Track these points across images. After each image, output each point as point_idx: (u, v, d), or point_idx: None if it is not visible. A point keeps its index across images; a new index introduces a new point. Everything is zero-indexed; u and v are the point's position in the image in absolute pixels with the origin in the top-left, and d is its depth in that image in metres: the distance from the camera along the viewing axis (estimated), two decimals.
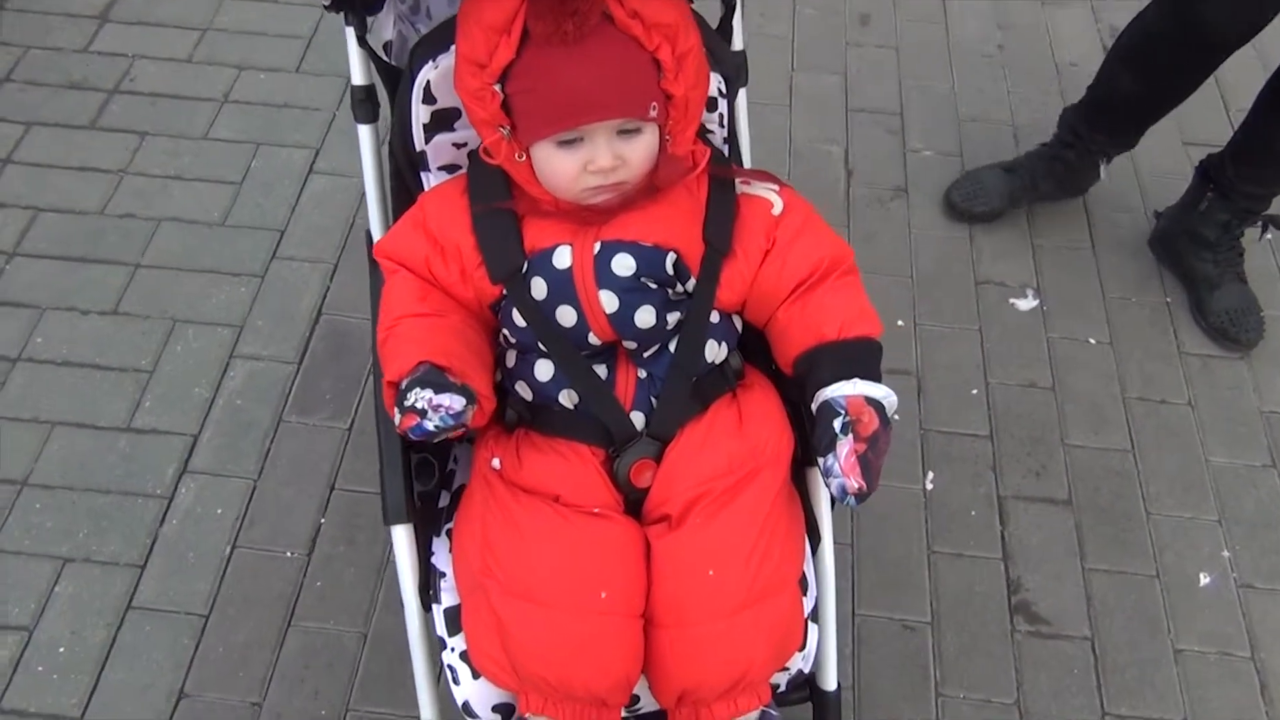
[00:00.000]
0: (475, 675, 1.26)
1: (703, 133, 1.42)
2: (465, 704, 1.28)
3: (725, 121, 1.48)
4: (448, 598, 1.32)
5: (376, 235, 1.53)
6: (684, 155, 1.30)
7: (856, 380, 1.24)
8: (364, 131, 1.52)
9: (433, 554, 1.37)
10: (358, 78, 1.50)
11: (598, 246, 1.27)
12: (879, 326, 1.30)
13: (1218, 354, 2.25)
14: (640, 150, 1.25)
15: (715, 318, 1.33)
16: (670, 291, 1.30)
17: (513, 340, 1.33)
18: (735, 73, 1.48)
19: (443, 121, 1.41)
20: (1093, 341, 2.26)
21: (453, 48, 1.34)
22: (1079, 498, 2.02)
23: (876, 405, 1.23)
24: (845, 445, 1.18)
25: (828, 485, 1.19)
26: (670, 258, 1.28)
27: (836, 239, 1.35)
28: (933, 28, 2.90)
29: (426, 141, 1.42)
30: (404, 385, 1.16)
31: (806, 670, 1.35)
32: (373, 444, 1.41)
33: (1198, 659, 1.84)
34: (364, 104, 1.51)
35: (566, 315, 1.28)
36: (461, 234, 1.30)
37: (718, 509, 1.25)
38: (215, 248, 2.31)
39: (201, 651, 1.78)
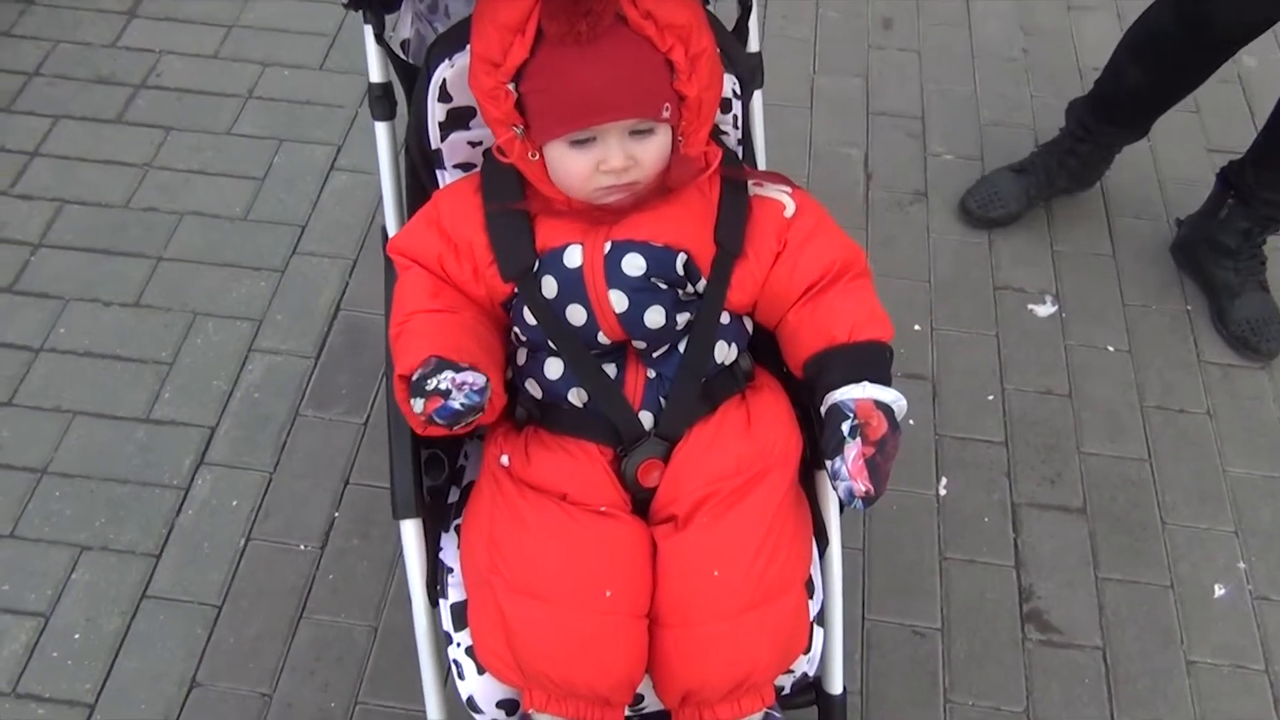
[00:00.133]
0: (480, 671, 1.27)
1: (716, 134, 1.42)
2: (470, 699, 1.29)
3: (740, 123, 1.48)
4: (455, 593, 1.33)
5: (392, 232, 1.54)
6: (696, 156, 1.30)
7: (866, 383, 1.23)
8: (381, 129, 1.53)
9: (441, 549, 1.37)
10: (375, 75, 1.51)
11: (608, 246, 1.28)
12: (890, 330, 1.30)
13: (1238, 363, 2.23)
14: (653, 151, 1.26)
15: (725, 319, 1.33)
16: (680, 292, 1.30)
17: (523, 338, 1.33)
18: (750, 74, 1.48)
19: (458, 120, 1.42)
20: (1111, 349, 2.24)
21: (468, 47, 1.35)
22: (1093, 506, 2.01)
23: (886, 409, 1.22)
24: (853, 449, 1.18)
25: (835, 488, 1.19)
26: (681, 258, 1.28)
27: (849, 241, 1.35)
28: (955, 31, 2.89)
29: (442, 139, 1.43)
30: (416, 376, 1.17)
31: (811, 673, 1.35)
32: (387, 439, 1.42)
33: (1211, 671, 1.83)
34: (381, 101, 1.52)
35: (576, 314, 1.28)
36: (474, 232, 1.31)
37: (724, 510, 1.25)
38: (236, 242, 2.33)
39: (214, 641, 1.79)
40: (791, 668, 1.31)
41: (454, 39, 1.38)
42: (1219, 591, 1.91)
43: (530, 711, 1.23)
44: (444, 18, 1.56)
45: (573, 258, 1.28)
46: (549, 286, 1.28)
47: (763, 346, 1.40)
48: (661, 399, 1.30)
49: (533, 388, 1.33)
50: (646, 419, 1.30)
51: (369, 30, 1.47)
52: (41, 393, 2.08)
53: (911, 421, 2.09)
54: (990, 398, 2.15)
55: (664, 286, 1.28)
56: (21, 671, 1.75)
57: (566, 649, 1.18)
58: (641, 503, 1.30)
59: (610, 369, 1.30)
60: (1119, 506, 2.01)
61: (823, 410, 1.25)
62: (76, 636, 1.79)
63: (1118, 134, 2.31)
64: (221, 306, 2.22)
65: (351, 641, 1.80)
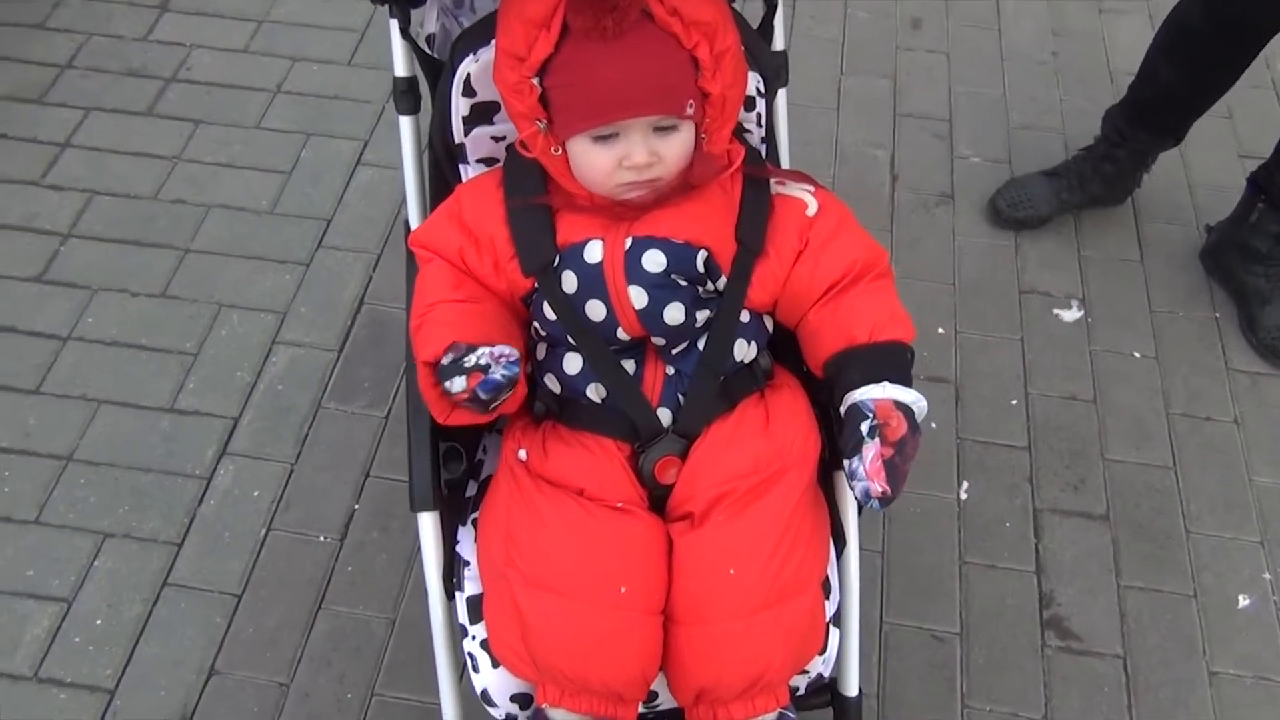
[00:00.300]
0: (495, 664, 1.27)
1: (739, 132, 1.42)
2: (484, 692, 1.29)
3: (763, 121, 1.47)
4: (471, 586, 1.33)
5: (414, 225, 1.54)
6: (719, 154, 1.29)
7: (886, 384, 1.23)
8: (405, 123, 1.53)
9: (458, 542, 1.38)
10: (400, 70, 1.51)
11: (629, 242, 1.28)
12: (911, 331, 1.29)
13: (1267, 371, 2.20)
14: (676, 147, 1.25)
15: (745, 317, 1.33)
16: (700, 289, 1.29)
17: (543, 333, 1.33)
18: (774, 73, 1.47)
19: (482, 115, 1.42)
20: (1138, 355, 2.22)
21: (493, 41, 1.36)
22: (1117, 513, 1.99)
23: (906, 410, 1.22)
24: (871, 449, 1.18)
25: (852, 488, 1.19)
26: (701, 255, 1.28)
27: (871, 241, 1.34)
28: (985, 33, 2.87)
29: (465, 134, 1.44)
30: (448, 360, 1.17)
31: (827, 674, 1.34)
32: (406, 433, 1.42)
33: (1233, 682, 1.81)
34: (405, 96, 1.52)
35: (596, 310, 1.28)
36: (496, 226, 1.31)
37: (741, 508, 1.25)
38: (263, 235, 2.34)
39: (233, 630, 1.81)
40: (806, 668, 1.30)
41: (479, 34, 1.38)
42: (1243, 602, 1.89)
43: (544, 706, 1.23)
44: (469, 12, 1.56)
45: (593, 253, 1.28)
46: (569, 281, 1.28)
47: (783, 345, 1.39)
48: (680, 396, 1.30)
49: (551, 383, 1.33)
50: (665, 416, 1.29)
51: (394, 25, 1.47)
52: (68, 381, 2.10)
53: (934, 425, 2.08)
54: (1014, 402, 2.13)
55: (684, 283, 1.28)
56: (44, 656, 1.77)
57: (581, 644, 1.18)
58: (658, 499, 1.30)
59: (629, 365, 1.30)
60: (1143, 514, 1.99)
61: (842, 410, 1.24)
62: (98, 622, 1.81)
63: (1152, 140, 2.29)
64: (247, 298, 2.23)
65: (369, 633, 1.81)
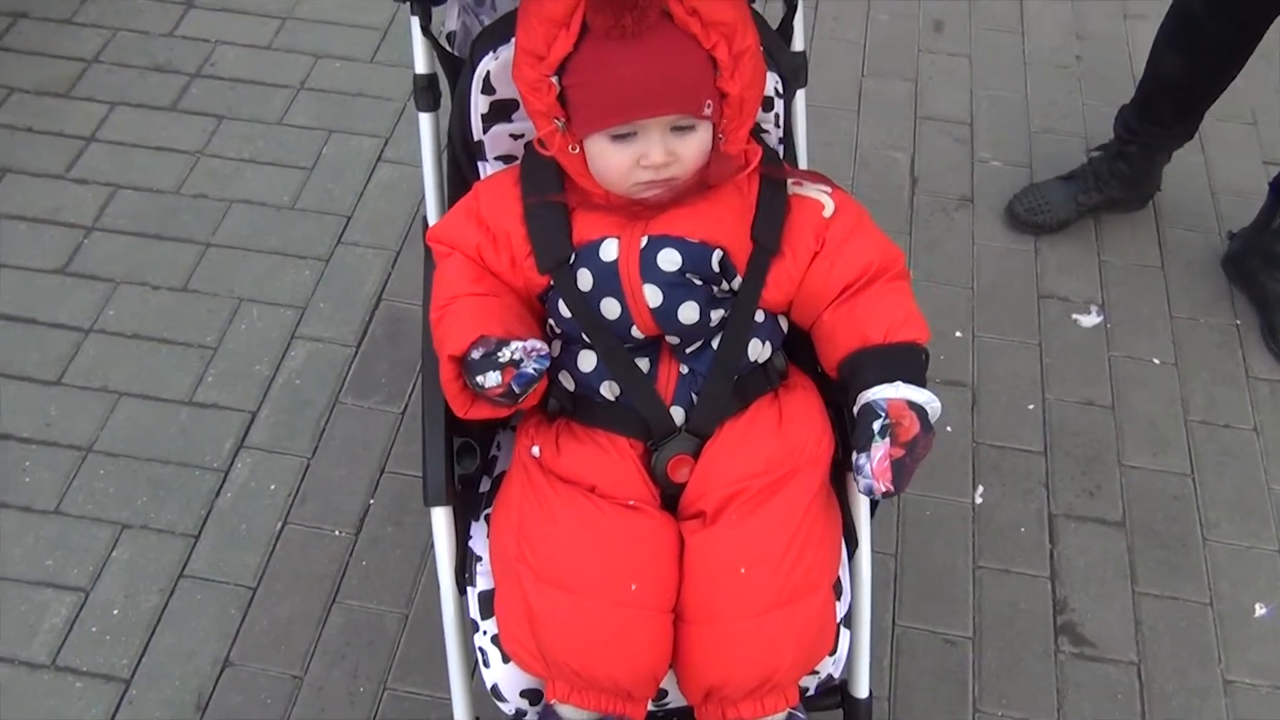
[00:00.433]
0: (505, 659, 1.28)
1: (757, 132, 1.42)
2: (494, 687, 1.30)
3: (781, 122, 1.47)
4: (483, 581, 1.33)
5: (433, 222, 1.55)
6: (736, 154, 1.30)
7: (900, 383, 1.23)
8: (424, 120, 1.54)
9: (471, 538, 1.38)
10: (420, 66, 1.52)
11: (644, 240, 1.28)
12: (926, 332, 1.29)
13: None
14: (693, 147, 1.26)
15: (760, 317, 1.33)
16: (715, 289, 1.30)
17: (558, 330, 1.34)
18: (793, 74, 1.47)
19: (501, 112, 1.43)
20: (1157, 361, 2.21)
21: (513, 40, 1.36)
22: (1133, 519, 1.98)
23: (919, 410, 1.22)
24: (880, 449, 1.18)
25: (855, 481, 1.20)
26: (717, 255, 1.28)
27: (887, 243, 1.34)
28: (1008, 36, 2.86)
29: (484, 131, 1.44)
30: (476, 356, 1.19)
31: (837, 675, 1.34)
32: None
33: (1249, 691, 1.80)
34: (425, 92, 1.53)
35: (611, 308, 1.28)
36: (512, 223, 1.32)
37: (753, 507, 1.25)
38: (283, 230, 2.36)
39: (248, 622, 1.82)
40: (817, 669, 1.30)
41: (499, 32, 1.39)
42: (1260, 611, 1.88)
43: (553, 702, 1.23)
44: (490, 10, 1.57)
45: (609, 251, 1.28)
46: (584, 279, 1.29)
47: (798, 345, 1.39)
48: (693, 395, 1.30)
49: (565, 380, 1.34)
50: (678, 414, 1.30)
51: (415, 22, 1.48)
52: (90, 373, 2.12)
53: (950, 428, 2.07)
54: (1030, 407, 2.12)
55: (699, 282, 1.28)
56: (61, 644, 1.79)
57: (589, 641, 1.19)
58: (671, 498, 1.30)
59: (643, 363, 1.30)
60: (1159, 521, 1.98)
61: (855, 410, 1.25)
62: (115, 612, 1.83)
63: (1163, 134, 2.28)
64: (266, 293, 2.25)
65: (382, 627, 1.82)
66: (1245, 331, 2.26)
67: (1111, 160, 2.34)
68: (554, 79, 1.24)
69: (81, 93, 2.61)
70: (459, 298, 1.28)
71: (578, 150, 1.27)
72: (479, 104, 1.42)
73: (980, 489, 2.01)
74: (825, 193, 1.36)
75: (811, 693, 1.33)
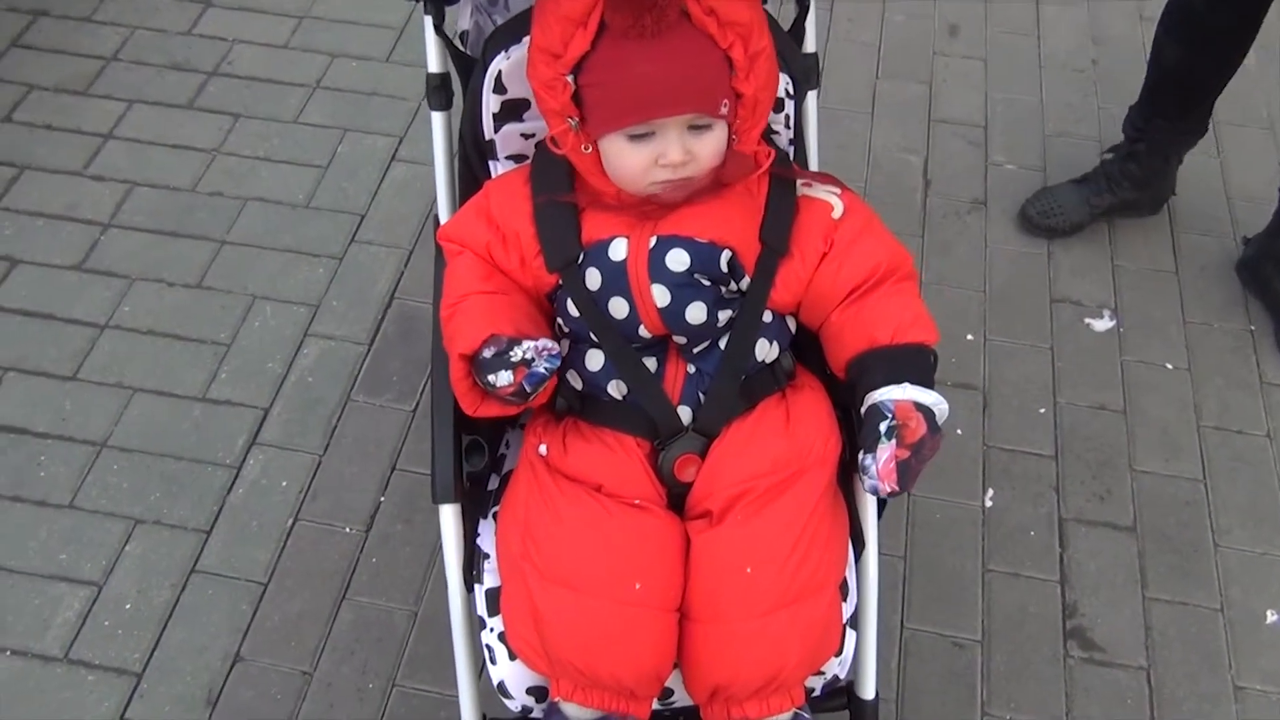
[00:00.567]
0: (512, 657, 1.28)
1: (768, 133, 1.42)
2: (501, 684, 1.30)
3: (792, 123, 1.48)
4: (490, 579, 1.34)
5: (444, 220, 1.56)
6: (750, 154, 1.30)
7: (907, 385, 1.23)
8: (437, 119, 1.55)
9: (479, 535, 1.39)
10: (433, 66, 1.53)
11: (653, 240, 1.28)
12: (935, 334, 1.29)
13: None
14: (710, 146, 1.26)
15: (768, 317, 1.33)
16: (723, 289, 1.30)
17: (566, 329, 1.34)
18: (804, 75, 1.48)
19: (512, 111, 1.44)
20: (1170, 366, 2.20)
21: (525, 39, 1.37)
22: (1144, 524, 1.97)
23: (926, 411, 1.22)
24: (886, 450, 1.18)
25: (861, 480, 1.20)
26: (725, 255, 1.29)
27: (896, 244, 1.34)
28: (1024, 40, 2.85)
29: (496, 131, 1.45)
30: (488, 355, 1.20)
31: (843, 676, 1.34)
32: None
33: (1259, 698, 1.79)
34: (438, 91, 1.54)
35: (619, 307, 1.29)
36: (522, 222, 1.32)
37: (760, 507, 1.25)
38: (297, 229, 2.37)
39: (258, 618, 1.83)
40: (822, 669, 1.30)
41: (511, 32, 1.40)
42: (1271, 618, 1.87)
43: (558, 700, 1.23)
44: (504, 10, 1.58)
45: (618, 251, 1.28)
46: (593, 278, 1.29)
47: (806, 346, 1.39)
48: (701, 394, 1.30)
49: (573, 379, 1.34)
50: (685, 414, 1.30)
51: (428, 21, 1.49)
52: (104, 368, 2.14)
53: (960, 431, 2.07)
54: (1042, 411, 2.12)
55: (707, 283, 1.29)
56: (74, 638, 1.80)
57: (593, 639, 1.19)
58: (677, 497, 1.30)
59: (650, 363, 1.31)
60: (1170, 526, 1.97)
61: (862, 410, 1.25)
62: (127, 607, 1.84)
63: (1168, 129, 2.27)
64: (280, 291, 2.26)
65: (391, 624, 1.82)
66: (1259, 337, 2.25)
67: (1122, 161, 2.33)
68: (569, 78, 1.24)
69: (100, 90, 2.63)
70: (469, 295, 1.29)
71: (591, 150, 1.28)
72: (490, 103, 1.43)
73: (990, 492, 2.00)
74: (834, 194, 1.36)
75: (818, 693, 1.33)
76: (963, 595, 1.88)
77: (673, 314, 1.28)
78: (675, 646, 1.24)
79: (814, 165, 1.55)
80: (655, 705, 1.28)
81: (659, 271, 1.27)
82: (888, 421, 1.20)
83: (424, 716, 1.74)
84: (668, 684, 1.27)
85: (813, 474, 1.28)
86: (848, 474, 1.37)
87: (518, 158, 1.47)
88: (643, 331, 1.29)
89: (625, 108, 1.22)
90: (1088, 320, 2.27)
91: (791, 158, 1.48)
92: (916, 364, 1.26)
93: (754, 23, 1.24)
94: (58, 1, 2.82)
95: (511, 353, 1.19)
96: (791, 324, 1.38)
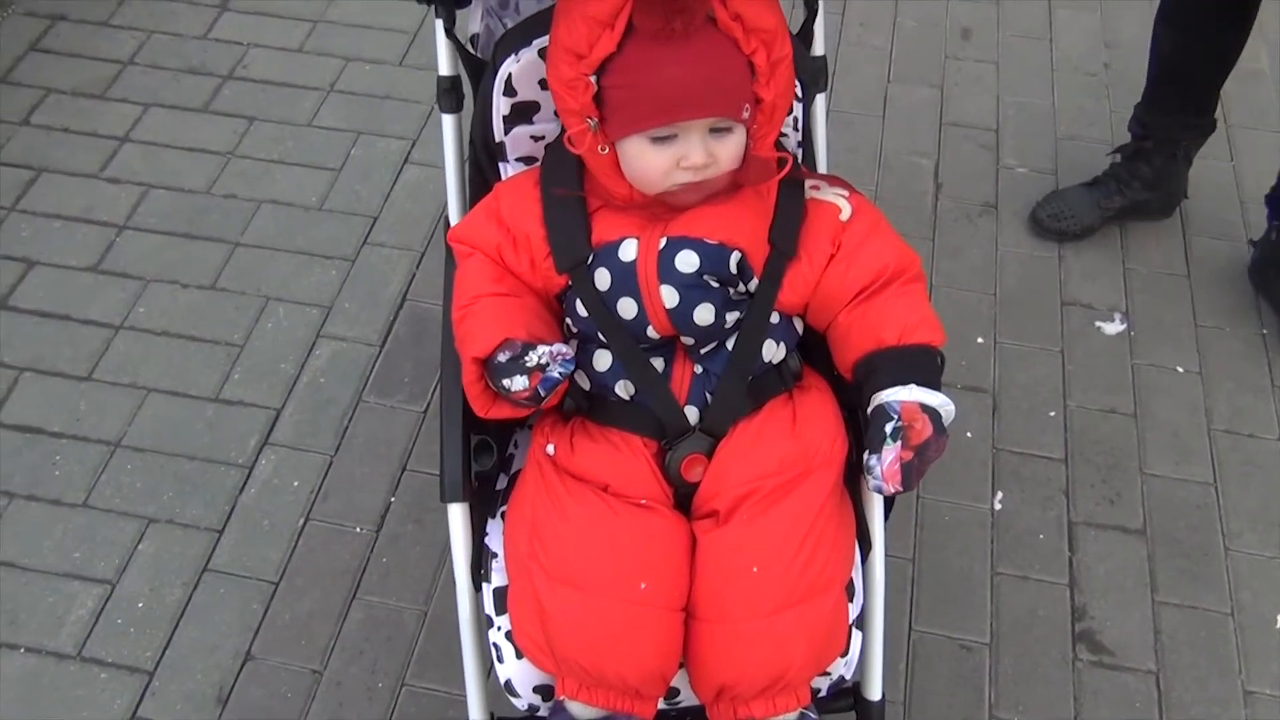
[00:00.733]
0: (519, 655, 1.28)
1: (777, 136, 1.43)
2: (508, 683, 1.30)
3: (800, 125, 1.48)
4: (498, 578, 1.34)
5: (454, 222, 1.57)
6: (769, 159, 1.31)
7: (913, 386, 1.23)
8: (447, 121, 1.55)
9: (487, 535, 1.39)
10: (444, 69, 1.54)
11: (663, 242, 1.29)
12: (941, 335, 1.29)
13: None
14: (730, 149, 1.27)
15: (775, 318, 1.33)
16: (732, 290, 1.30)
17: (574, 329, 1.35)
18: (812, 78, 1.48)
19: (522, 114, 1.44)
20: (1180, 370, 2.19)
21: (535, 42, 1.38)
22: (1154, 528, 1.97)
23: (932, 413, 1.22)
24: (891, 451, 1.18)
25: (866, 480, 1.21)
26: (735, 256, 1.29)
27: (903, 246, 1.35)
28: (1036, 44, 2.85)
29: (506, 133, 1.46)
30: (503, 359, 1.21)
31: (849, 677, 1.34)
32: None
33: (1270, 703, 1.78)
34: (449, 94, 1.54)
35: (627, 307, 1.30)
36: (532, 224, 1.33)
37: (766, 507, 1.25)
38: (311, 231, 2.39)
39: (269, 617, 1.84)
40: (828, 670, 1.30)
41: (521, 34, 1.41)
42: None
43: (562, 699, 1.24)
44: (514, 14, 1.59)
45: (627, 251, 1.29)
46: (602, 279, 1.30)
47: (813, 347, 1.40)
48: (708, 395, 1.31)
49: (581, 379, 1.35)
50: (692, 414, 1.30)
51: (439, 24, 1.50)
52: (119, 369, 2.15)
53: (970, 434, 2.07)
54: (1052, 414, 2.12)
55: (715, 284, 1.29)
56: (87, 636, 1.82)
57: (598, 638, 1.19)
58: (684, 497, 1.31)
59: (658, 363, 1.31)
60: (1180, 530, 1.96)
61: (869, 411, 1.25)
62: (140, 605, 1.85)
63: (1171, 124, 2.27)
64: (293, 292, 2.28)
65: (401, 624, 1.83)
66: (1271, 341, 2.24)
67: (1131, 161, 2.33)
68: (592, 78, 1.24)
69: (117, 94, 2.66)
70: (480, 298, 1.30)
71: (608, 151, 1.28)
72: (501, 106, 1.43)
73: (1000, 495, 2.00)
74: (843, 196, 1.36)
75: (824, 694, 1.34)
76: (971, 598, 1.87)
77: (681, 315, 1.28)
78: (681, 646, 1.24)
79: (822, 167, 1.55)
80: (661, 705, 1.29)
81: (668, 272, 1.28)
82: (893, 423, 1.20)
83: (433, 715, 1.74)
84: (674, 683, 1.27)
85: (819, 474, 1.29)
86: (854, 475, 1.37)
87: (527, 160, 1.48)
88: (651, 332, 1.30)
89: (652, 110, 1.23)
90: (1098, 323, 2.26)
91: (800, 160, 1.48)
92: (923, 365, 1.26)
93: (778, 30, 1.25)
94: (76, 6, 2.85)
95: (526, 358, 1.20)
96: (799, 325, 1.38)
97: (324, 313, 2.25)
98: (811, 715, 1.28)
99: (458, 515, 1.36)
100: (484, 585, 1.36)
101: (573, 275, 1.32)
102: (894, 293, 1.31)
